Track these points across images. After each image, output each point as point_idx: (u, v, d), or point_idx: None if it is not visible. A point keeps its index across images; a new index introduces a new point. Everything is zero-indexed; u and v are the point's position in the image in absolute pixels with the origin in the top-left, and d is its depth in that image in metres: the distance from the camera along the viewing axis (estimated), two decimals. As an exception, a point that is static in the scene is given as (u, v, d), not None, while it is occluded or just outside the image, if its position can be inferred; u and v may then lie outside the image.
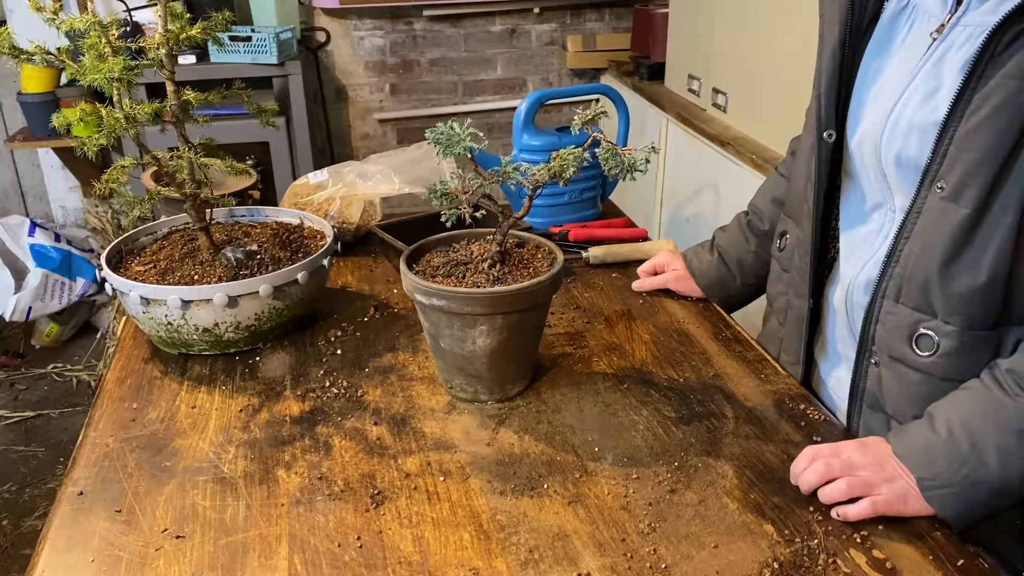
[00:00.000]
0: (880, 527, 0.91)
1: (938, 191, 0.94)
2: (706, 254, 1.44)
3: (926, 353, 0.99)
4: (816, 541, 0.89)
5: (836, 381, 1.17)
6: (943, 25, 0.97)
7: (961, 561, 0.87)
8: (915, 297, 0.99)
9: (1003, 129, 0.88)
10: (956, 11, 0.97)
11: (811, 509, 0.94)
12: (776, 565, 0.86)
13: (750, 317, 1.48)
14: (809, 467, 0.96)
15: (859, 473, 0.94)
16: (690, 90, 2.77)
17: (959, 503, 0.91)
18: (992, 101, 0.89)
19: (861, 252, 1.08)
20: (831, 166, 1.11)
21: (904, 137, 0.99)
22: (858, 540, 0.90)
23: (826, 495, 0.94)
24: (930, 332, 0.99)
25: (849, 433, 1.10)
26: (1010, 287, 0.94)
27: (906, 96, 0.99)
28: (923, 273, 0.98)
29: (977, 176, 0.91)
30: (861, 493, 0.93)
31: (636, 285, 1.47)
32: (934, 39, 0.98)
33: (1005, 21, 0.87)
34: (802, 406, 1.13)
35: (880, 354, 1.05)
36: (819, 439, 1.06)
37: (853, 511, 0.92)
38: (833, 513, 0.93)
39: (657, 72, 3.08)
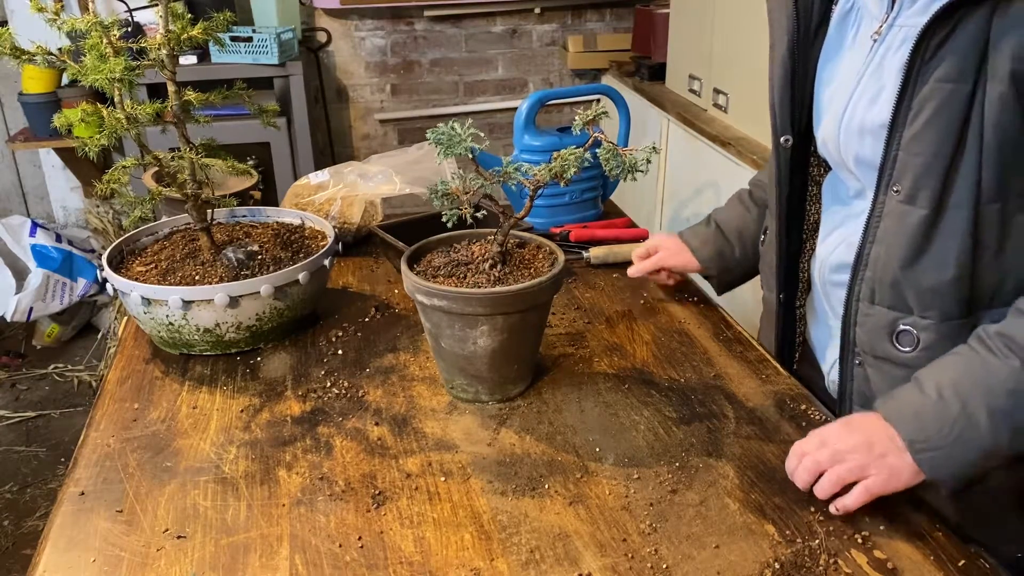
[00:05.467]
0: (881, 527, 0.91)
1: (895, 194, 0.97)
2: (702, 227, 1.41)
3: (908, 348, 1.01)
4: (817, 541, 0.89)
5: (832, 376, 1.18)
6: (881, 27, 1.00)
7: (962, 561, 0.87)
8: (888, 297, 1.01)
9: (945, 131, 0.91)
10: (891, 12, 0.99)
11: (812, 509, 0.94)
12: (777, 565, 0.86)
13: (750, 317, 1.48)
14: (799, 466, 0.95)
15: (848, 460, 0.93)
16: (691, 90, 2.77)
17: (950, 465, 0.90)
18: (930, 105, 0.91)
19: (838, 234, 1.10)
20: (792, 169, 1.13)
21: (858, 139, 1.01)
22: (859, 540, 0.90)
23: (821, 491, 0.93)
24: (909, 328, 1.00)
25: None
26: (977, 277, 0.96)
27: (854, 99, 1.02)
28: (891, 274, 0.99)
29: (928, 178, 0.93)
30: (854, 479, 0.92)
31: (632, 271, 1.43)
32: (875, 40, 1.01)
33: (930, 25, 0.89)
34: (803, 406, 1.13)
35: (864, 355, 1.06)
36: (820, 439, 1.06)
37: (850, 501, 0.91)
38: (831, 508, 0.93)
39: (658, 72, 3.08)
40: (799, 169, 1.15)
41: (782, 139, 1.11)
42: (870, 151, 0.99)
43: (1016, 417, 0.88)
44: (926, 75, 0.91)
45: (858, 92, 1.01)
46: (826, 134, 1.07)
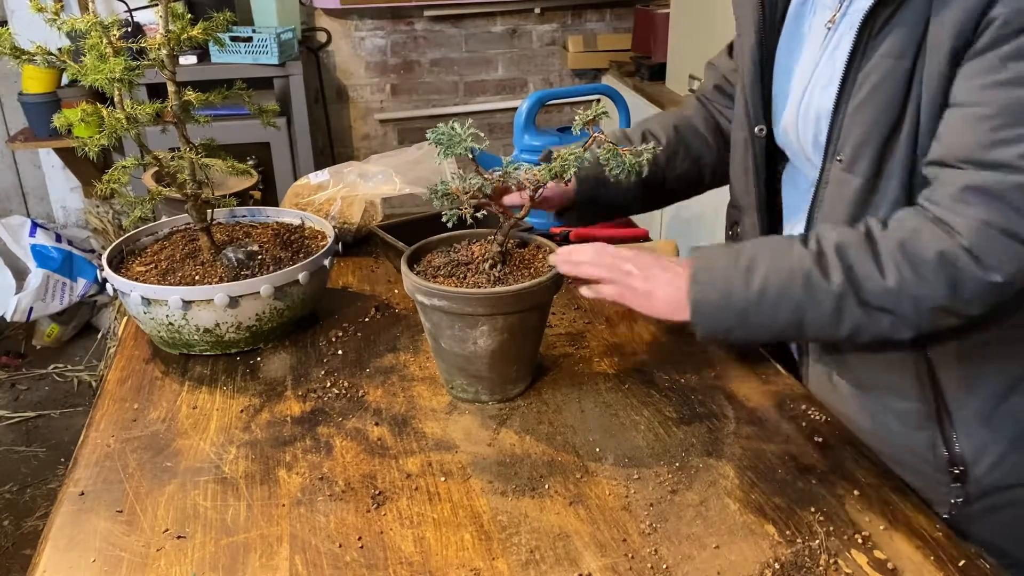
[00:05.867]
0: (881, 528, 0.92)
1: (838, 163, 1.00)
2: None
3: None
4: (817, 542, 0.89)
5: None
6: (835, 16, 1.03)
7: (962, 562, 0.87)
8: None
9: (885, 103, 0.94)
10: (844, 1, 1.02)
11: (812, 509, 0.94)
12: (777, 565, 0.86)
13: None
14: (586, 257, 1.02)
15: (626, 266, 1.00)
16: (691, 90, 2.77)
17: (710, 310, 0.96)
18: (872, 79, 0.95)
19: (801, 226, 1.11)
20: (767, 156, 1.15)
21: (814, 124, 1.04)
22: (859, 540, 0.90)
23: (581, 271, 1.02)
24: None
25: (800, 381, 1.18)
26: None
27: (811, 87, 1.05)
28: None
29: (867, 148, 0.96)
30: (611, 277, 1.00)
31: (509, 199, 1.16)
32: (828, 30, 1.04)
33: (876, 6, 0.93)
34: (803, 406, 1.13)
35: None
36: (820, 439, 1.06)
37: (602, 290, 1.01)
38: (583, 290, 1.02)
39: (658, 72, 3.08)
40: (770, 159, 1.17)
41: (756, 128, 1.13)
42: (824, 132, 1.03)
43: (784, 294, 0.93)
44: (872, 51, 0.95)
45: (814, 79, 1.04)
46: (787, 122, 1.10)
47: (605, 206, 1.30)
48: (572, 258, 1.04)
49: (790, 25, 1.11)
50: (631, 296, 1.00)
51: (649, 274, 1.00)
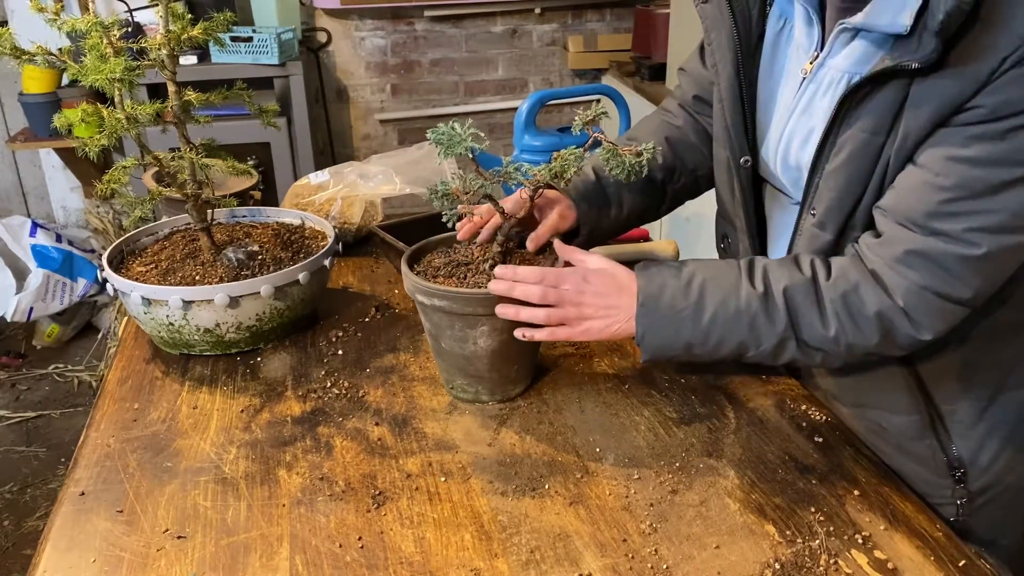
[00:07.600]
0: (882, 528, 0.92)
1: (811, 216, 1.03)
2: (579, 181, 1.23)
3: None
4: (817, 542, 0.89)
5: None
6: (812, 64, 1.03)
7: (963, 562, 0.87)
8: None
9: (855, 173, 0.97)
10: (821, 52, 1.02)
11: (812, 509, 0.94)
12: (778, 566, 0.86)
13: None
14: (527, 286, 1.02)
15: (567, 307, 1.03)
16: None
17: (659, 337, 1.01)
18: (848, 148, 0.97)
19: (783, 243, 1.12)
20: (753, 180, 1.15)
21: (795, 171, 1.07)
22: (859, 540, 0.90)
23: (522, 315, 1.02)
24: None
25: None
26: None
27: (786, 135, 1.07)
28: None
29: (837, 211, 1.00)
30: (558, 322, 1.03)
31: (530, 242, 1.17)
32: (804, 78, 1.04)
33: (858, 86, 0.93)
34: (803, 406, 1.13)
35: None
36: (820, 439, 1.06)
37: (538, 333, 1.04)
38: (517, 333, 1.04)
39: (658, 72, 3.08)
40: (756, 181, 1.16)
41: (741, 160, 1.12)
42: (803, 179, 1.05)
43: (731, 330, 0.99)
44: (850, 121, 0.96)
45: (789, 130, 1.06)
46: (766, 157, 1.11)
47: (608, 231, 1.27)
48: (514, 276, 1.03)
49: (767, 55, 1.10)
50: (565, 334, 1.04)
51: (600, 306, 1.03)
